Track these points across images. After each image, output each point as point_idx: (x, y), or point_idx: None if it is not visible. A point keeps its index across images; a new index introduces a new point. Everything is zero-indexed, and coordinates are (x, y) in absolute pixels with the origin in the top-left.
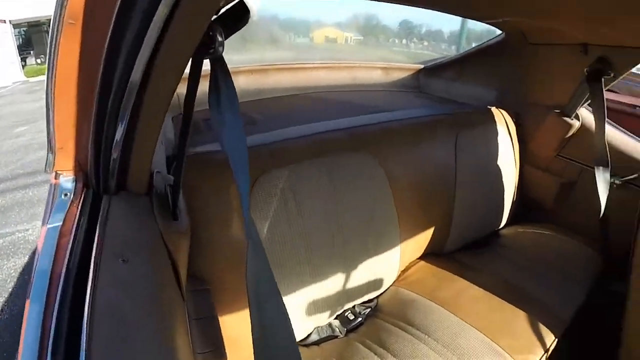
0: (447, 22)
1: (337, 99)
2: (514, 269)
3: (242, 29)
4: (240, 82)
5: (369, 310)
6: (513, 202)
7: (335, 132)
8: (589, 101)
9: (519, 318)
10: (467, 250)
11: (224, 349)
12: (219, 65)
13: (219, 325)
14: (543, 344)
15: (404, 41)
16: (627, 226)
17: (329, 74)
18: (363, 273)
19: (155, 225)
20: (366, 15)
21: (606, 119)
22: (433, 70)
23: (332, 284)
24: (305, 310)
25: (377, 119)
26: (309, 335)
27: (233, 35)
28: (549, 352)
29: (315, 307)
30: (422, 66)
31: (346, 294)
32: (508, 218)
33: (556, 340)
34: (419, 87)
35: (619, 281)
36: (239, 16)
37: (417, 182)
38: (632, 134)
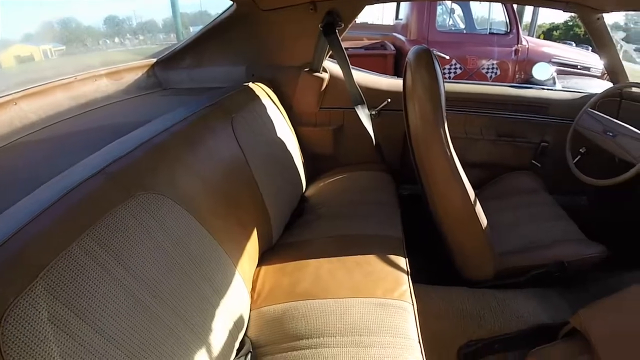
0: (157, 11)
1: (64, 133)
2: (336, 223)
3: None
4: None
5: (249, 355)
6: (304, 164)
7: (88, 182)
8: (330, 53)
9: (373, 263)
10: (289, 229)
11: None
12: None
13: None
14: (402, 269)
15: (116, 40)
16: (394, 142)
17: (36, 102)
18: (218, 324)
19: None
20: (60, 20)
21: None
22: (168, 62)
23: None
24: None
25: (134, 143)
26: None
27: None
28: (409, 273)
29: None
30: (154, 60)
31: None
32: (306, 180)
33: (405, 258)
34: (159, 84)
35: (410, 184)
36: None
37: (215, 190)
38: (369, 71)
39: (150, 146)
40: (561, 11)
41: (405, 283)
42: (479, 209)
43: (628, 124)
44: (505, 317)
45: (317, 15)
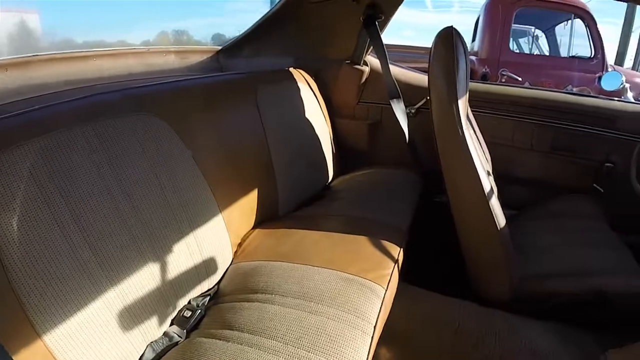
0: None
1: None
2: (348, 205)
3: None
4: None
5: (207, 299)
6: (334, 155)
7: (107, 95)
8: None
9: (362, 243)
10: (302, 207)
11: None
12: None
13: None
14: (391, 257)
15: None
16: (431, 144)
17: (115, 62)
18: (187, 262)
19: None
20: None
21: (388, 59)
22: (231, 50)
23: (147, 284)
24: (120, 326)
25: (160, 81)
26: (142, 356)
27: None
28: (399, 262)
29: (134, 319)
30: (219, 47)
31: (173, 291)
32: (334, 171)
33: (401, 250)
34: (220, 69)
35: (441, 193)
36: None
37: (226, 150)
38: (412, 69)
39: (174, 87)
40: None
41: (388, 268)
42: (494, 205)
43: None
44: (514, 346)
45: (359, 7)
